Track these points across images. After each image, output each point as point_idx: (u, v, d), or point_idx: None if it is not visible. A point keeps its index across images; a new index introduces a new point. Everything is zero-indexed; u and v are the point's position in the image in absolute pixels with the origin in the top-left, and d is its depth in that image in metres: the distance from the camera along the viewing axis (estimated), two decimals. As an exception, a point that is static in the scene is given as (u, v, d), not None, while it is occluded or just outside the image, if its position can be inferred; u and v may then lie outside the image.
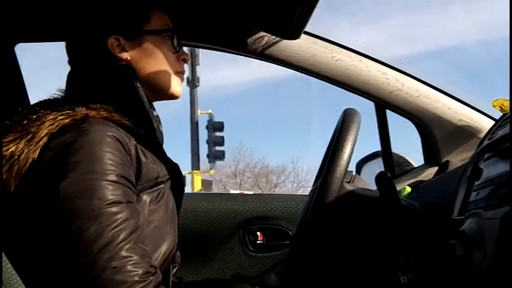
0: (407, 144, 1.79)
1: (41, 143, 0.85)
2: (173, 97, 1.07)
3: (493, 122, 1.27)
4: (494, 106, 1.26)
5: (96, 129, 0.85)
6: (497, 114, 1.29)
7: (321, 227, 0.96)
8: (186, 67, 1.11)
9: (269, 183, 18.21)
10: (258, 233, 1.62)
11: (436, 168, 1.54)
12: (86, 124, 0.86)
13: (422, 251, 0.96)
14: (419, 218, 1.02)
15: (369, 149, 1.84)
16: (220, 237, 1.60)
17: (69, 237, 0.78)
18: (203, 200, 1.66)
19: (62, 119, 0.87)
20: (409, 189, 1.50)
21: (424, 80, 1.52)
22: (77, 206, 0.79)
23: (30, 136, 0.86)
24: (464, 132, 1.51)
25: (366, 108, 1.43)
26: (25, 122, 0.88)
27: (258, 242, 1.61)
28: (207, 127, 11.94)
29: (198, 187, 11.15)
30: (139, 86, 0.97)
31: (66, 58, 1.05)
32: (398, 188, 1.48)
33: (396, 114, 1.56)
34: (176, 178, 1.04)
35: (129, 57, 1.00)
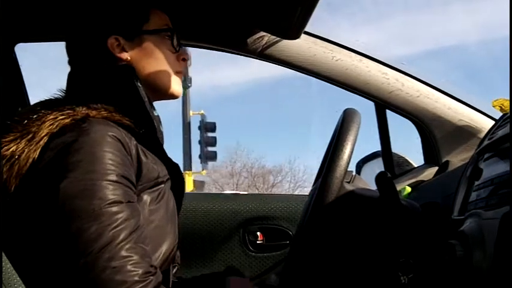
0: (407, 144, 1.79)
1: (42, 142, 0.85)
2: (173, 97, 1.07)
3: (493, 122, 1.27)
4: (494, 106, 1.26)
5: (97, 129, 0.85)
6: (497, 114, 1.29)
7: (321, 227, 0.96)
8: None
9: (266, 184, 18.22)
10: (258, 233, 1.62)
11: (436, 168, 1.54)
12: (86, 124, 0.86)
13: (422, 251, 0.96)
14: (419, 218, 1.03)
15: (369, 149, 1.84)
16: (220, 237, 1.60)
17: (69, 237, 0.78)
18: (203, 200, 1.66)
19: (62, 119, 0.87)
20: (409, 189, 1.50)
21: (424, 80, 1.52)
22: (77, 206, 0.79)
23: (30, 136, 0.86)
24: (464, 132, 1.51)
25: (366, 108, 1.43)
26: (25, 121, 0.88)
27: (258, 242, 1.62)
28: (199, 127, 11.90)
29: (189, 188, 11.13)
30: (140, 85, 0.97)
31: (66, 58, 1.05)
32: (398, 188, 1.48)
33: (396, 114, 1.56)
34: (176, 178, 1.04)
35: (129, 57, 1.00)
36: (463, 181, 0.99)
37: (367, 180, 1.16)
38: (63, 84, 1.01)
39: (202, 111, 11.97)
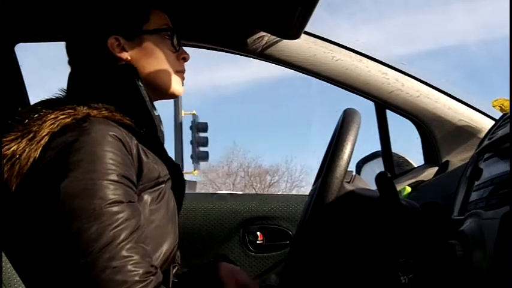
0: (407, 144, 1.79)
1: (43, 142, 0.85)
2: (174, 96, 1.07)
3: (493, 122, 1.27)
4: (494, 106, 1.26)
5: (98, 128, 0.85)
6: (497, 114, 1.29)
7: (321, 227, 0.96)
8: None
9: (263, 183, 18.22)
10: (258, 233, 1.62)
11: (436, 168, 1.54)
12: (87, 123, 0.86)
13: (422, 251, 0.96)
14: (419, 218, 1.02)
15: (369, 149, 1.84)
16: (220, 237, 1.61)
17: (69, 237, 0.78)
18: (203, 200, 1.66)
19: (63, 118, 0.87)
20: (409, 189, 1.50)
21: (424, 80, 1.52)
22: (77, 206, 0.79)
23: (31, 135, 0.86)
24: (464, 132, 1.51)
25: (366, 108, 1.43)
26: (26, 121, 0.88)
27: (258, 242, 1.62)
28: (190, 128, 11.86)
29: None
30: (142, 85, 0.97)
31: (66, 58, 1.05)
32: (398, 188, 1.48)
33: (396, 114, 1.56)
34: (177, 178, 1.05)
35: (129, 57, 1.00)
36: (463, 181, 0.99)
37: (367, 180, 1.16)
38: (63, 84, 1.01)
39: (193, 112, 11.92)
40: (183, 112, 11.48)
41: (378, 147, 1.66)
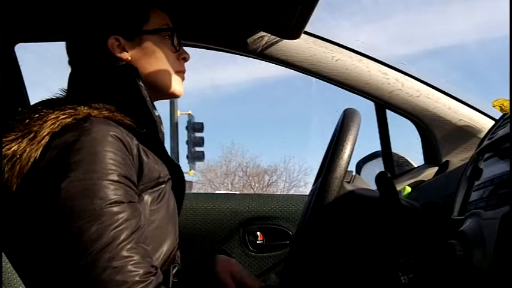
0: (407, 144, 1.79)
1: (43, 142, 0.85)
2: (174, 96, 1.08)
3: (493, 122, 1.27)
4: (494, 106, 1.26)
5: (98, 128, 0.85)
6: (497, 114, 1.29)
7: (321, 227, 0.96)
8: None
9: (261, 183, 18.23)
10: (258, 233, 1.62)
11: (436, 168, 1.54)
12: (88, 123, 0.86)
13: (422, 251, 0.96)
14: (419, 218, 1.02)
15: (369, 149, 1.84)
16: (220, 237, 1.60)
17: (70, 237, 0.78)
18: (203, 200, 1.66)
19: (64, 118, 0.87)
20: (409, 189, 1.50)
21: (424, 80, 1.52)
22: (78, 206, 0.79)
23: (32, 135, 0.86)
24: (464, 132, 1.51)
25: (366, 108, 1.43)
26: (27, 121, 0.88)
27: (258, 242, 1.62)
28: (186, 128, 11.85)
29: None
30: (142, 85, 0.97)
31: (66, 58, 1.05)
32: (398, 188, 1.48)
33: (396, 114, 1.56)
34: (177, 178, 1.05)
35: (129, 57, 1.00)
36: (463, 181, 0.99)
37: (367, 180, 1.16)
38: (64, 84, 1.01)
39: (189, 112, 11.93)
40: (178, 112, 11.48)
41: (378, 147, 1.66)
